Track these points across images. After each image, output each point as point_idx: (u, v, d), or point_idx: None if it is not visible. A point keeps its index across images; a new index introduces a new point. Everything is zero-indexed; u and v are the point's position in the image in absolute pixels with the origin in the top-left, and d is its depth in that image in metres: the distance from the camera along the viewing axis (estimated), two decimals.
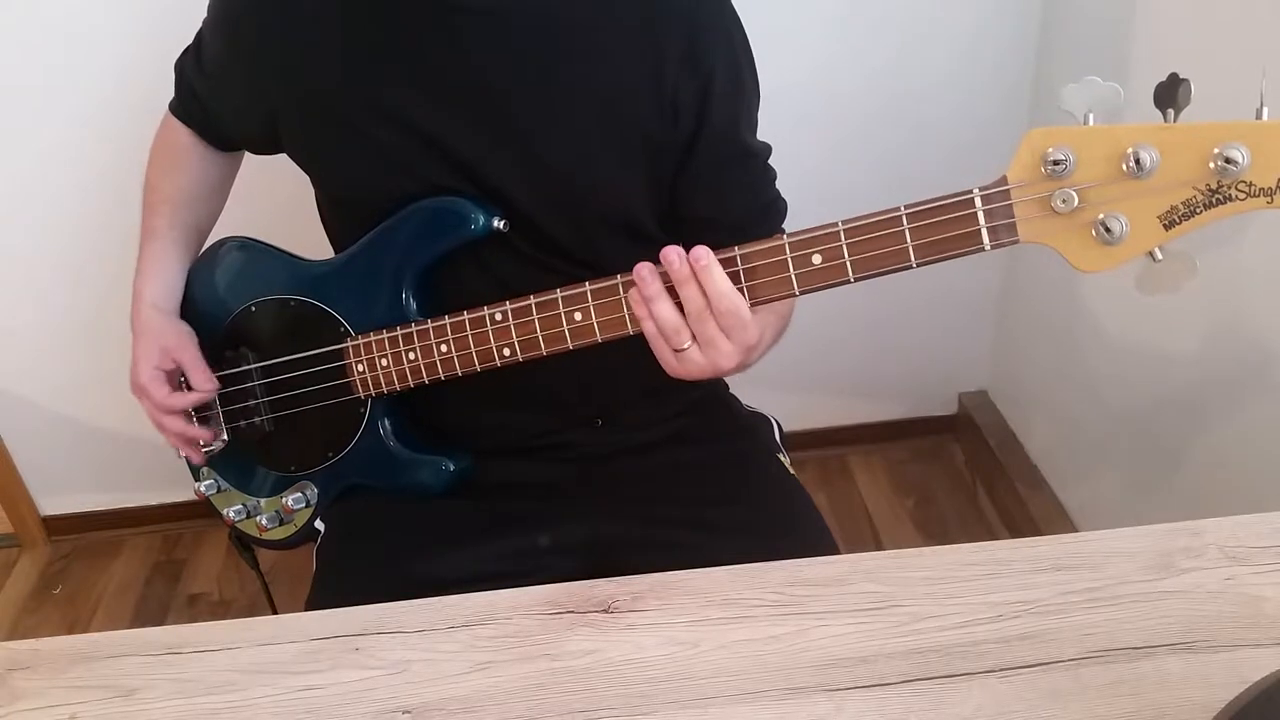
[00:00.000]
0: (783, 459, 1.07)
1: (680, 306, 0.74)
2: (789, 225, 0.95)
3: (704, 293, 0.73)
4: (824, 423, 1.94)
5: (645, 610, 0.70)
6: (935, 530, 1.81)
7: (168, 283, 1.01)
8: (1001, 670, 0.64)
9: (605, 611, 0.70)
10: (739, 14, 0.89)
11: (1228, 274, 1.16)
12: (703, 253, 0.72)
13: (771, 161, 0.95)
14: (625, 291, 0.78)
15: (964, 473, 1.94)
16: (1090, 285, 1.52)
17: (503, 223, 0.87)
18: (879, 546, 1.78)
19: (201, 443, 1.02)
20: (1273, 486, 1.15)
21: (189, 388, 0.98)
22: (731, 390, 1.11)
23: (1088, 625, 0.66)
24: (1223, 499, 1.24)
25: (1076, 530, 1.64)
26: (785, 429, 1.11)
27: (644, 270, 0.74)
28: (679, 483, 0.98)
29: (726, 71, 0.87)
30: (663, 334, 0.75)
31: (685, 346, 0.75)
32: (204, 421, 1.02)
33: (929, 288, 1.76)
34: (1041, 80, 1.59)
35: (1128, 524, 0.74)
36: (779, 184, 0.96)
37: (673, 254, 0.73)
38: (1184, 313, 1.28)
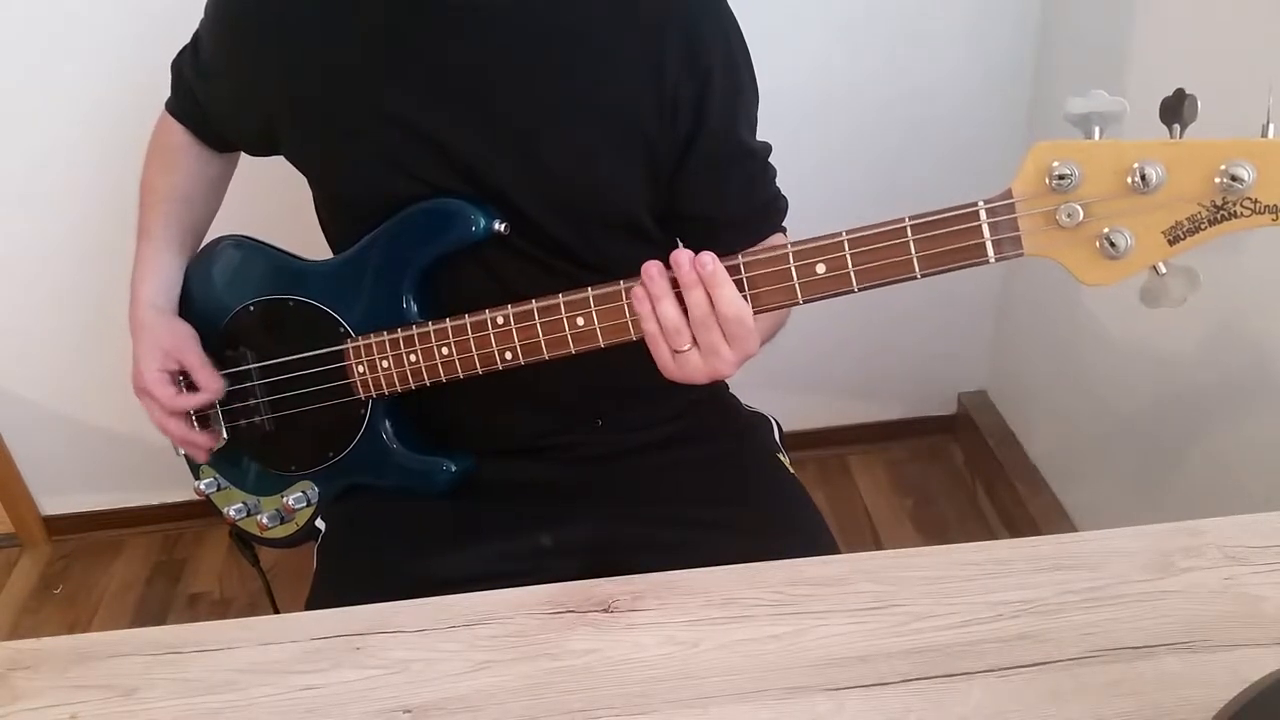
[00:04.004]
0: (783, 458, 1.07)
1: (684, 309, 0.74)
2: (789, 224, 0.95)
3: (710, 299, 0.73)
4: (824, 423, 1.95)
5: (645, 610, 0.70)
6: (935, 530, 1.82)
7: (165, 281, 1.00)
8: (1001, 670, 0.64)
9: (605, 611, 0.70)
10: (738, 15, 0.89)
11: (1227, 276, 1.16)
12: (709, 259, 0.72)
13: (770, 161, 0.95)
14: (629, 295, 0.77)
15: (963, 473, 1.94)
16: (1091, 288, 1.51)
17: (503, 225, 0.87)
18: (879, 546, 1.78)
19: (197, 447, 1.02)
20: (1273, 486, 1.15)
21: (190, 387, 0.98)
22: (731, 390, 1.11)
23: (1087, 625, 0.66)
24: (1222, 499, 1.24)
25: (1076, 530, 1.64)
26: (785, 429, 1.11)
27: (652, 269, 0.74)
28: (679, 483, 0.98)
29: (724, 71, 0.87)
30: (664, 334, 0.75)
31: (685, 349, 0.75)
32: (203, 420, 1.02)
33: (929, 288, 1.74)
34: (1040, 82, 1.59)
35: (1127, 524, 0.74)
36: (778, 183, 0.96)
37: (682, 257, 0.73)
38: (1184, 314, 1.27)
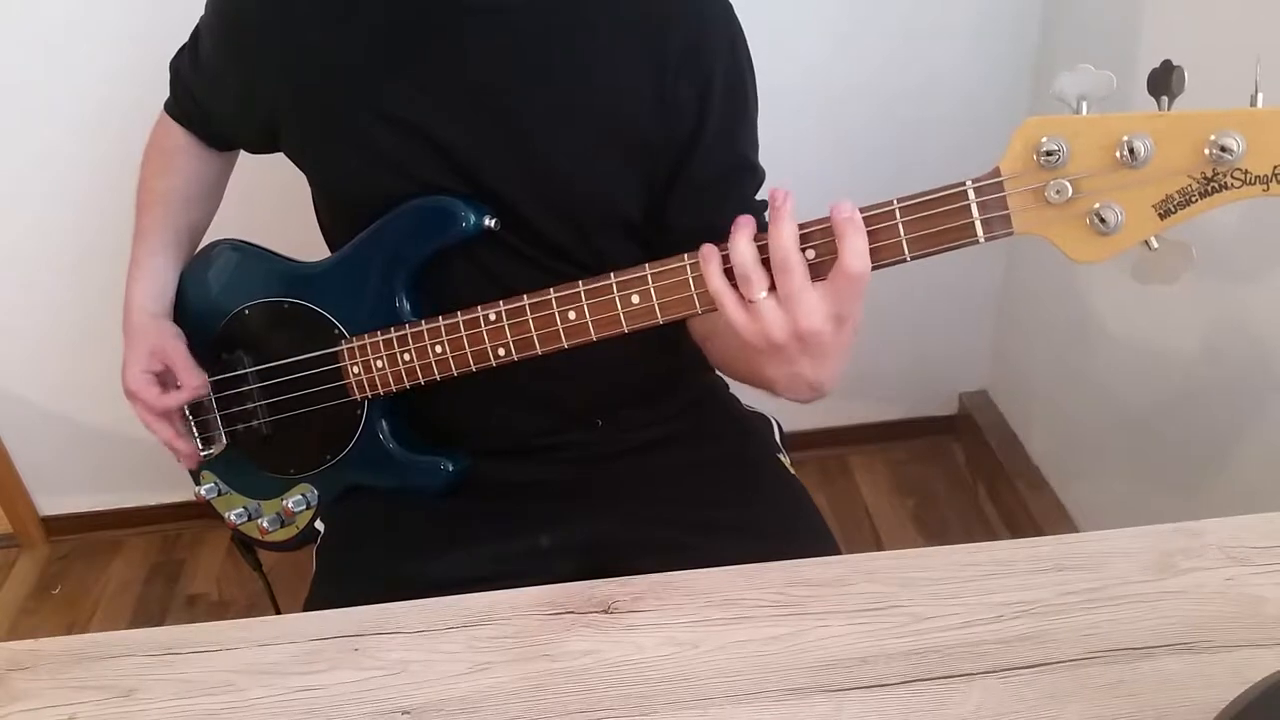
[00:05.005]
0: (783, 459, 1.06)
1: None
2: None
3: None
4: (824, 423, 1.94)
5: (645, 610, 0.70)
6: (936, 530, 1.81)
7: (159, 284, 1.00)
8: (1002, 671, 0.63)
9: (605, 612, 0.70)
10: (739, 12, 0.89)
11: (1229, 273, 1.15)
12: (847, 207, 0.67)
13: (770, 157, 0.94)
14: (620, 290, 0.76)
15: (965, 473, 1.94)
16: (1091, 284, 1.51)
17: (493, 221, 0.87)
18: (879, 547, 1.78)
19: (179, 454, 1.01)
20: (1273, 486, 1.15)
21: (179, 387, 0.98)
22: (731, 390, 1.11)
23: (1088, 625, 0.66)
24: (1223, 499, 1.24)
25: (1077, 530, 1.63)
26: (785, 429, 1.11)
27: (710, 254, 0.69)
28: (679, 483, 0.98)
29: (727, 76, 0.87)
30: (738, 278, 0.68)
31: (759, 297, 0.68)
32: (202, 425, 1.02)
33: (929, 286, 1.76)
34: (1042, 77, 1.59)
35: (1128, 524, 0.74)
36: (776, 180, 0.95)
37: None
38: (1185, 312, 1.28)
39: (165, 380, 0.98)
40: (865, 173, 1.65)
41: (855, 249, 0.66)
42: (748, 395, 1.12)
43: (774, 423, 1.11)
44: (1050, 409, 1.75)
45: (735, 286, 0.69)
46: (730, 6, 0.89)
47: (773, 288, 0.68)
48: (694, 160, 0.88)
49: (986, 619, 0.67)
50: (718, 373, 1.10)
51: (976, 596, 0.69)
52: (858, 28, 1.55)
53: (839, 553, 0.92)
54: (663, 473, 0.99)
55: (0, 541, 1.96)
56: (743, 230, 0.69)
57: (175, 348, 0.97)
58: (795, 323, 0.68)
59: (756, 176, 0.92)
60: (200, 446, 1.01)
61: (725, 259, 0.70)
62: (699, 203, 0.89)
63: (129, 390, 0.97)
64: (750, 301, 0.69)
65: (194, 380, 0.97)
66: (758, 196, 0.92)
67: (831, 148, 1.63)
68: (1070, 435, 1.69)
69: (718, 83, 0.86)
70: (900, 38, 1.56)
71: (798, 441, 1.18)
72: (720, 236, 0.75)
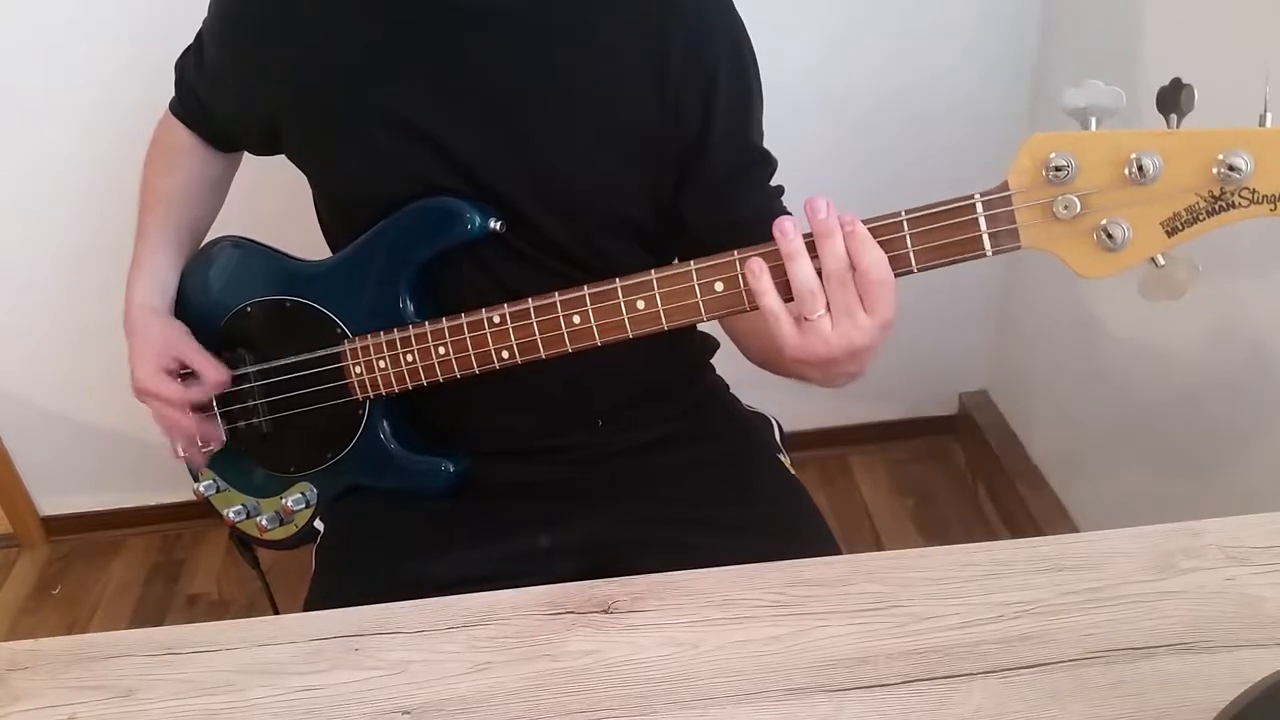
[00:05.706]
0: (783, 459, 1.06)
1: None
2: None
3: (849, 254, 0.67)
4: (824, 423, 1.94)
5: (645, 611, 0.70)
6: (936, 530, 1.81)
7: (160, 282, 1.00)
8: (1002, 671, 0.63)
9: (605, 612, 0.70)
10: (740, 11, 0.89)
11: (1230, 275, 1.15)
12: (850, 217, 0.67)
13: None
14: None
15: (965, 473, 1.94)
16: (1092, 285, 1.51)
17: (499, 223, 0.87)
18: (879, 546, 1.78)
19: (209, 441, 1.01)
20: (1273, 487, 1.15)
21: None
22: (732, 390, 1.11)
23: (1088, 625, 0.66)
24: (1223, 499, 1.24)
25: (1077, 530, 1.63)
26: (785, 429, 1.11)
27: (786, 224, 0.68)
28: (679, 483, 0.98)
29: (731, 73, 0.87)
30: (799, 297, 0.68)
31: (816, 315, 0.68)
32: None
33: (929, 287, 1.74)
34: (1041, 78, 1.59)
35: (1128, 524, 0.74)
36: (775, 179, 0.95)
37: (820, 202, 0.67)
38: (1186, 313, 1.28)
39: (176, 376, 0.97)
40: (865, 173, 1.65)
41: (877, 259, 0.67)
42: (748, 395, 1.12)
43: (774, 423, 1.11)
44: (1050, 409, 1.75)
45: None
46: (732, 5, 0.89)
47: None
48: (705, 160, 0.88)
49: (986, 619, 0.67)
50: (718, 373, 1.10)
51: (976, 596, 0.69)
52: (858, 28, 1.55)
53: (839, 553, 0.92)
54: (663, 473, 0.99)
55: (0, 541, 1.96)
56: (793, 241, 0.68)
57: (186, 343, 0.97)
58: (850, 341, 0.68)
59: (770, 165, 0.92)
60: (220, 434, 1.00)
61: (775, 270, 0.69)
62: (716, 200, 0.89)
63: (143, 389, 0.96)
64: (806, 320, 0.69)
65: (215, 373, 0.95)
66: (772, 182, 0.93)
67: (831, 148, 1.63)
68: (1070, 435, 1.69)
69: (722, 83, 0.86)
70: (900, 38, 1.56)
71: (798, 441, 1.18)
72: (740, 233, 0.75)
